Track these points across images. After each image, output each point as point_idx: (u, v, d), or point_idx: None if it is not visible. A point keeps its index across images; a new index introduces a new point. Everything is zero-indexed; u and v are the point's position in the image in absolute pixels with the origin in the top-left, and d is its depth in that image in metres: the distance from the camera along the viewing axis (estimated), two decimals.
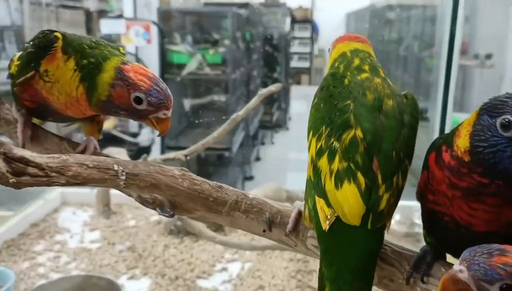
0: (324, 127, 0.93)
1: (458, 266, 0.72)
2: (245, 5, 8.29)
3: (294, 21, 17.56)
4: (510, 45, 6.83)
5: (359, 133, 0.90)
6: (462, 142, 0.83)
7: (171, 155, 2.71)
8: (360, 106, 0.93)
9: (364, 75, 0.98)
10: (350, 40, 1.06)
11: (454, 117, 5.24)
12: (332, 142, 0.91)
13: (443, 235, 0.93)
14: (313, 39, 18.53)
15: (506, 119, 0.77)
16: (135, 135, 6.08)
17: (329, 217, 0.90)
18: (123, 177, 0.99)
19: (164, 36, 5.97)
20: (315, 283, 2.70)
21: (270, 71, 9.82)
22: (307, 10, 18.21)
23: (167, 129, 1.10)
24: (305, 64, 18.42)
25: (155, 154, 5.23)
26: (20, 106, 1.18)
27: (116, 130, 6.00)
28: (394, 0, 8.55)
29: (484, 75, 7.49)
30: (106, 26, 5.69)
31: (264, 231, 1.14)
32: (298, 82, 15.24)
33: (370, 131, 0.90)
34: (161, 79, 1.07)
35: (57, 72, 1.06)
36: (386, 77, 1.00)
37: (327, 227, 0.90)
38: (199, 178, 1.13)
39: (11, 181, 0.90)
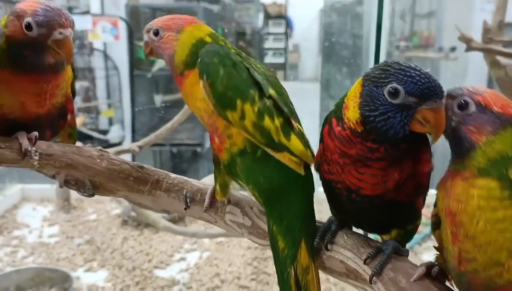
0: (253, 91, 0.96)
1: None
2: (216, 1, 8.29)
3: (268, 17, 17.61)
4: (474, 37, 7.03)
5: (272, 91, 0.97)
6: (352, 114, 0.87)
7: (125, 147, 2.72)
8: (257, 73, 0.99)
9: (232, 51, 1.02)
10: (195, 23, 1.06)
11: None
12: (265, 103, 0.96)
13: (339, 202, 0.99)
14: (287, 35, 18.62)
15: (393, 88, 0.82)
16: (104, 132, 6.03)
17: (300, 163, 0.97)
18: (36, 157, 1.01)
19: (133, 32, 5.94)
20: (270, 269, 2.76)
21: None
22: (281, 6, 18.26)
23: (70, 53, 1.00)
24: (279, 59, 18.47)
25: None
26: None
27: (86, 128, 5.96)
28: None
29: (449, 68, 7.67)
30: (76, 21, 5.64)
31: (185, 209, 1.18)
32: None
33: (275, 89, 0.99)
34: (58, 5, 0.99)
35: None
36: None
37: (303, 171, 0.97)
38: (118, 158, 1.15)
39: None
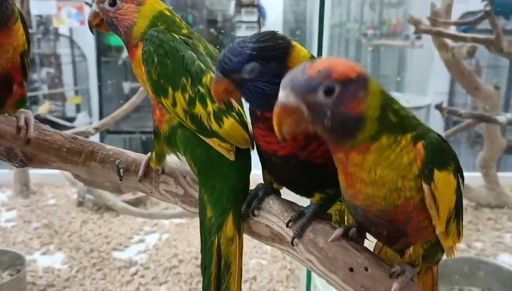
0: (184, 79, 0.99)
1: (281, 94, 0.75)
2: None
3: (240, 5, 17.54)
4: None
5: (213, 75, 0.98)
6: None
7: (82, 128, 2.69)
8: (199, 54, 1.02)
9: (184, 31, 1.05)
10: None
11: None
12: (198, 90, 0.98)
13: (270, 166, 1.02)
14: (260, 23, 18.61)
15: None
16: (71, 120, 5.93)
17: (229, 149, 0.99)
18: None
19: None
20: None
21: None
22: None
23: None
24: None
25: (94, 139, 5.15)
26: None
27: (52, 116, 5.85)
28: None
29: (415, 55, 7.81)
30: (37, 7, 5.50)
31: (120, 180, 1.19)
32: None
33: None
34: None
35: None
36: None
37: (234, 157, 0.99)
38: (51, 129, 1.16)
39: None
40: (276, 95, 0.78)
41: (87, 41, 6.17)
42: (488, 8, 2.11)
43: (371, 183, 0.81)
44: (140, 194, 3.38)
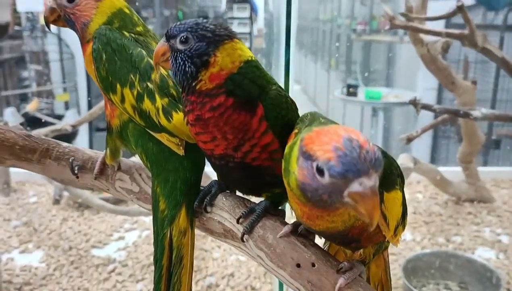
0: (132, 75, 0.99)
1: (366, 181, 0.65)
2: None
3: (232, 1, 17.50)
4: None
5: (163, 71, 1.00)
6: None
7: (58, 126, 2.68)
8: (150, 51, 1.02)
9: (140, 28, 1.06)
10: None
11: (380, 93, 5.48)
12: (147, 85, 0.99)
13: (213, 166, 1.02)
14: (252, 20, 18.56)
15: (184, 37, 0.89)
16: (60, 117, 5.91)
17: (179, 143, 1.00)
18: None
19: None
20: (208, 245, 2.80)
21: None
22: None
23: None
24: (245, 44, 18.46)
25: (83, 137, 5.15)
26: None
27: (41, 113, 5.81)
28: None
29: (404, 51, 7.83)
30: (23, 4, 5.46)
31: (77, 177, 1.19)
32: None
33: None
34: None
35: None
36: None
37: (183, 152, 1.00)
38: (3, 126, 1.15)
39: None
40: (192, 76, 0.87)
41: (75, 39, 6.12)
42: (460, 4, 2.11)
43: (331, 221, 0.81)
44: None
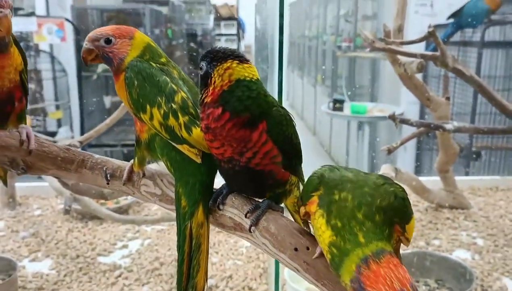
0: (159, 98, 1.22)
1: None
2: (165, 3, 8.42)
3: (219, 18, 17.80)
4: (409, 37, 7.52)
5: (183, 94, 1.24)
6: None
7: (66, 141, 2.88)
8: (172, 78, 1.26)
9: (163, 59, 1.30)
10: (137, 30, 1.31)
11: (365, 107, 5.74)
12: (171, 106, 1.22)
13: (221, 171, 1.25)
14: (239, 36, 18.87)
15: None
16: (53, 134, 6.07)
17: (197, 153, 1.22)
18: None
19: (79, 34, 6.00)
20: None
21: (195, 68, 9.99)
22: (232, 7, 18.51)
23: (9, 29, 1.19)
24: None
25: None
26: None
27: (34, 130, 5.94)
28: None
29: (388, 67, 8.15)
30: (17, 24, 5.65)
31: (107, 183, 1.41)
32: None
33: (189, 92, 1.26)
34: None
35: None
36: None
37: (200, 160, 1.22)
38: (48, 141, 1.37)
39: None
40: (200, 92, 1.16)
41: (68, 57, 6.32)
42: (431, 29, 2.40)
43: None
44: (122, 203, 3.57)
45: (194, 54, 10.61)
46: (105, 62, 1.29)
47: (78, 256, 2.94)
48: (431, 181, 3.75)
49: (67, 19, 5.78)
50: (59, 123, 6.62)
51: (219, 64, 1.12)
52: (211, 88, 1.12)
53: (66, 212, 2.95)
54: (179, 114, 1.22)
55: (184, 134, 1.22)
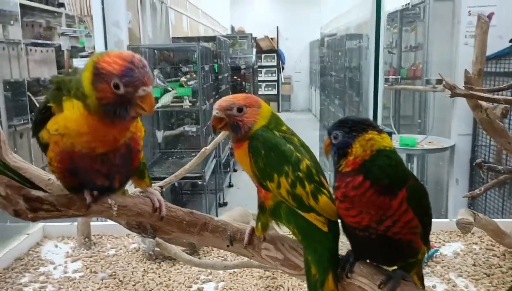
0: (286, 167, 1.27)
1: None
2: (212, 38, 8.71)
3: (260, 51, 18.19)
4: (458, 71, 7.42)
5: (307, 162, 1.28)
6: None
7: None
8: (295, 146, 1.30)
9: (284, 127, 1.35)
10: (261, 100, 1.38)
11: (414, 139, 5.67)
12: (298, 175, 1.25)
13: (353, 239, 1.26)
14: (279, 68, 19.18)
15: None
16: None
17: (324, 221, 1.26)
18: (115, 209, 1.28)
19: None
20: None
21: None
22: (272, 40, 18.89)
23: (153, 106, 1.12)
24: (273, 91, 19.02)
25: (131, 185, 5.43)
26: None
27: None
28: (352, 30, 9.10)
29: (437, 100, 8.05)
30: (79, 64, 5.99)
31: (228, 246, 1.45)
32: None
33: (310, 159, 1.30)
34: (139, 57, 1.09)
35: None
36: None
37: (327, 228, 1.26)
38: (174, 206, 1.43)
39: (29, 215, 1.18)
40: (336, 162, 1.20)
41: None
42: None
43: None
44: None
45: (238, 87, 10.87)
46: (231, 129, 1.34)
47: None
48: (503, 223, 3.59)
49: None
50: None
51: (360, 135, 1.15)
52: (351, 158, 1.14)
53: (150, 256, 3.02)
54: (306, 183, 1.25)
55: (312, 202, 1.25)
